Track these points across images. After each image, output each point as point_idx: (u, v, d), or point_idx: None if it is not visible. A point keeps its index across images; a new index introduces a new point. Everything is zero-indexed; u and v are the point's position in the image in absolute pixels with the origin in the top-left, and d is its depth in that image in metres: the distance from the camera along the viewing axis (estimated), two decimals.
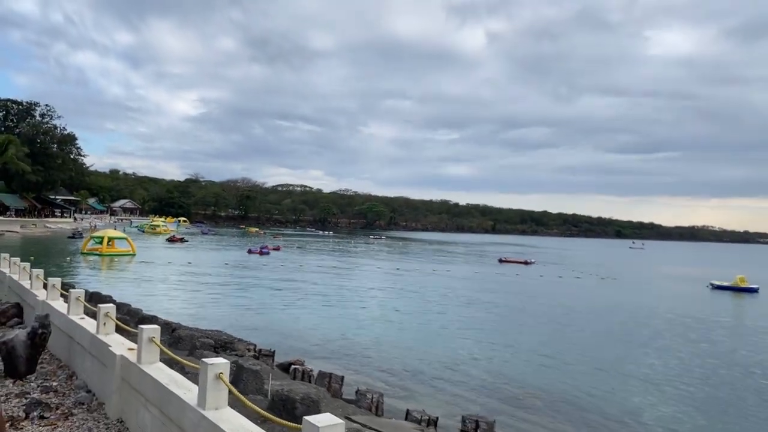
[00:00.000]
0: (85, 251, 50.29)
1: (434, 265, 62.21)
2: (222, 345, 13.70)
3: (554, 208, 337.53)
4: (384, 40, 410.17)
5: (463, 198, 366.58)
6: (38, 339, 7.74)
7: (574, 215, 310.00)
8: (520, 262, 76.05)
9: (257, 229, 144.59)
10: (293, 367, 13.97)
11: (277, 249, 73.78)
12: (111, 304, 7.38)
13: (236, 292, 32.83)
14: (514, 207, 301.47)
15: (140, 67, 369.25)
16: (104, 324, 7.18)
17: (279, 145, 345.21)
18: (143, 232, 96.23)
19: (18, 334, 7.73)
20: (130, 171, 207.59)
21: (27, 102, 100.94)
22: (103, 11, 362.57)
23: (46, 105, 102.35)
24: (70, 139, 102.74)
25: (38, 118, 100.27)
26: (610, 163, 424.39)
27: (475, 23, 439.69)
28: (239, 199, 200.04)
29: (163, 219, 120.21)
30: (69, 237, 71.50)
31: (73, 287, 10.39)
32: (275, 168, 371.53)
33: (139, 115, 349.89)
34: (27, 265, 12.29)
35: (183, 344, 12.70)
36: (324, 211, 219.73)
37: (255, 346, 15.63)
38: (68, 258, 47.30)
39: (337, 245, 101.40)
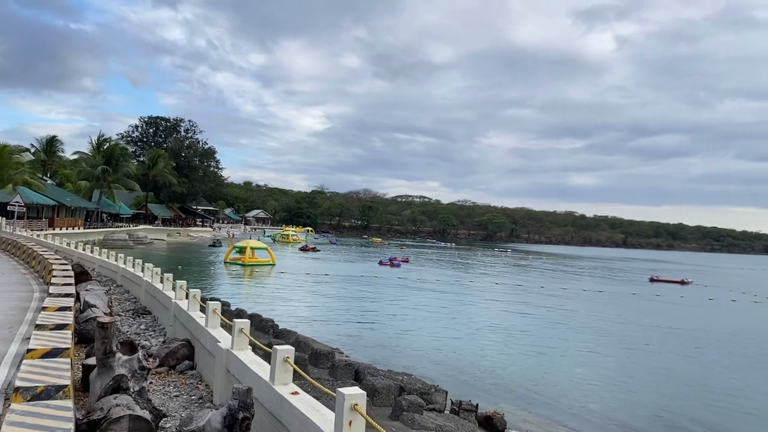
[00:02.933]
0: (228, 260, 51.02)
1: (580, 284, 56.39)
2: (420, 397, 10.74)
3: (690, 220, 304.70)
4: (505, 49, 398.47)
5: (587, 209, 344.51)
6: (239, 428, 5.09)
7: (714, 228, 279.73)
8: (675, 282, 67.50)
9: (381, 239, 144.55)
10: None
11: (406, 261, 71.70)
12: (357, 390, 4.49)
13: (387, 312, 30.02)
14: (646, 219, 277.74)
15: (271, 85, 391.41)
16: (350, 423, 4.30)
17: (397, 157, 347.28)
18: (275, 241, 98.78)
19: (211, 420, 5.13)
20: (261, 183, 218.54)
21: (173, 119, 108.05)
22: (240, 35, 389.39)
23: (190, 121, 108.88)
24: (211, 153, 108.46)
25: (183, 133, 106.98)
26: (754, 172, 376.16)
27: (604, 28, 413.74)
28: (362, 209, 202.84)
29: (294, 228, 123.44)
30: (210, 245, 74.43)
31: (276, 341, 7.88)
32: (393, 180, 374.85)
33: (270, 130, 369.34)
34: (197, 292, 10.10)
35: (381, 398, 9.95)
36: (443, 222, 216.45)
37: (446, 393, 12.58)
38: (212, 268, 48.06)
39: (463, 258, 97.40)
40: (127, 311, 13.91)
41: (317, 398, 5.49)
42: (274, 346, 5.89)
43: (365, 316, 28.04)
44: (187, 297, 10.74)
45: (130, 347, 8.71)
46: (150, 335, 11.59)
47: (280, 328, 16.11)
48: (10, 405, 5.15)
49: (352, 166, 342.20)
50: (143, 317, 13.34)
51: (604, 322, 31.54)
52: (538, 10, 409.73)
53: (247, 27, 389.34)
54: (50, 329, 8.36)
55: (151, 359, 6.71)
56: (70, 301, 10.37)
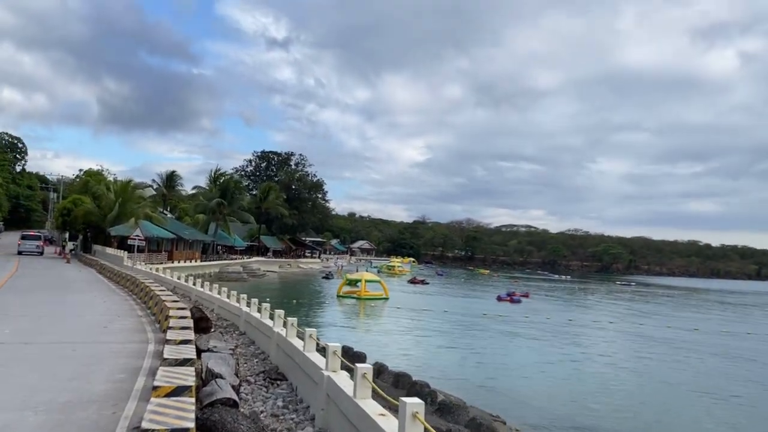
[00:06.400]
0: (341, 294, 48.62)
1: (747, 325, 47.95)
2: None
3: None
4: (615, 71, 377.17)
5: (712, 238, 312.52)
6: None
7: None
8: None
9: (488, 271, 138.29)
10: None
11: (526, 296, 65.89)
12: None
13: (536, 363, 25.05)
14: None
15: (374, 119, 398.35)
16: None
17: (499, 185, 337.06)
18: (380, 272, 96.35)
19: None
20: (364, 214, 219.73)
21: (285, 153, 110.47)
22: (345, 71, 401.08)
23: (300, 154, 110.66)
24: (319, 185, 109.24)
25: (293, 166, 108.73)
26: None
27: (726, 44, 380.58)
28: (465, 240, 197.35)
29: (400, 260, 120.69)
30: (323, 278, 73.26)
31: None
32: (494, 209, 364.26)
33: (372, 163, 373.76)
34: (368, 370, 6.58)
35: None
36: (553, 253, 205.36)
37: None
38: (326, 302, 45.75)
39: (584, 293, 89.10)
40: (257, 374, 10.81)
41: None
42: None
43: (514, 369, 23.43)
44: (348, 370, 7.32)
45: None
46: (292, 419, 8.27)
47: (440, 399, 12.18)
48: None
49: (452, 195, 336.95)
50: (277, 385, 10.15)
51: None
52: (650, 30, 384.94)
53: (352, 63, 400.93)
54: None
55: None
56: (189, 374, 7.29)
